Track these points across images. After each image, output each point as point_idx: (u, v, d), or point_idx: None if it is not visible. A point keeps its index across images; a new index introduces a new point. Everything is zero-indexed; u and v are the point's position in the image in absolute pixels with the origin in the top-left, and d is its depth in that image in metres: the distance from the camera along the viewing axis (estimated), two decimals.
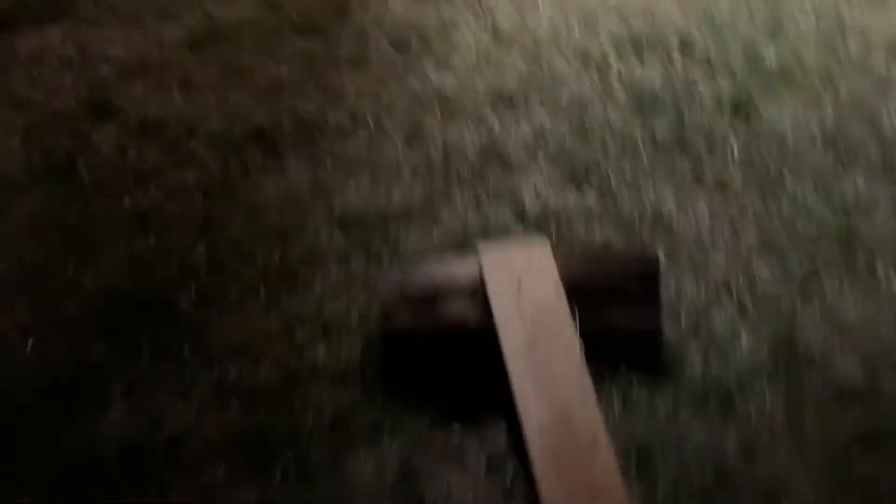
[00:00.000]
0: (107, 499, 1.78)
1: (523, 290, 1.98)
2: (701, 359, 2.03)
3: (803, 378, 1.99)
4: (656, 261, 2.04)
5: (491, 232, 2.37)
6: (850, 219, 2.39)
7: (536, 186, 2.56)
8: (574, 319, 1.94)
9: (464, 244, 2.33)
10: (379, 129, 2.81)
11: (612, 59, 3.07)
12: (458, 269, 2.04)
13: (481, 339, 1.93)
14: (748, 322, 2.11)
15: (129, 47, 3.22)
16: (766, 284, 2.21)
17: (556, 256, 2.04)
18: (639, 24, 3.19)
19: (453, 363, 1.96)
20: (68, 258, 2.34)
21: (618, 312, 1.97)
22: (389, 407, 1.94)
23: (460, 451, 1.87)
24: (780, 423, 1.90)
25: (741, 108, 2.81)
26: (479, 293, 1.98)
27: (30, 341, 2.11)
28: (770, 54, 3.06)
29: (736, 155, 2.64)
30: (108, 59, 3.17)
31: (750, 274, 2.24)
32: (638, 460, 1.82)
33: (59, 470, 1.84)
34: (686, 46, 3.12)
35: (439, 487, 1.80)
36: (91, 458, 1.86)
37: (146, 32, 3.30)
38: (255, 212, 2.51)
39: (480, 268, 2.02)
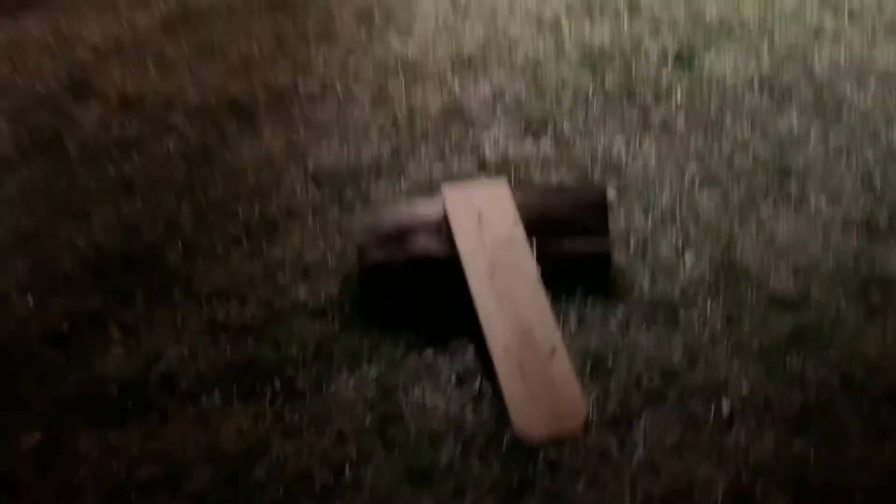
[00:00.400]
0: (112, 426, 1.95)
1: (484, 223, 2.16)
2: (648, 279, 2.23)
3: (741, 291, 2.19)
4: (604, 191, 2.23)
5: (454, 181, 2.55)
6: (784, 152, 2.61)
7: (496, 139, 2.75)
8: (531, 247, 2.13)
9: (430, 192, 2.51)
10: (347, 95, 2.99)
11: (564, 21, 3.27)
12: (424, 208, 2.21)
13: (447, 269, 2.12)
14: (691, 245, 2.31)
15: (103, 31, 3.38)
16: (708, 212, 2.41)
17: (513, 193, 2.23)
18: None
19: (423, 293, 2.14)
20: (60, 222, 2.50)
21: (571, 239, 2.16)
22: (367, 336, 2.12)
23: (433, 369, 2.05)
24: (719, 330, 2.10)
25: (684, 60, 3.02)
26: (443, 228, 2.16)
27: (29, 297, 2.26)
28: (711, 10, 3.27)
29: (680, 101, 2.84)
30: (84, 43, 3.33)
31: (693, 204, 2.44)
32: (593, 367, 2.02)
33: (66, 405, 2.00)
34: (633, 7, 3.33)
35: (415, 400, 1.98)
36: (95, 393, 2.02)
37: (119, 17, 3.46)
38: (235, 174, 2.67)
39: (444, 205, 2.20)
